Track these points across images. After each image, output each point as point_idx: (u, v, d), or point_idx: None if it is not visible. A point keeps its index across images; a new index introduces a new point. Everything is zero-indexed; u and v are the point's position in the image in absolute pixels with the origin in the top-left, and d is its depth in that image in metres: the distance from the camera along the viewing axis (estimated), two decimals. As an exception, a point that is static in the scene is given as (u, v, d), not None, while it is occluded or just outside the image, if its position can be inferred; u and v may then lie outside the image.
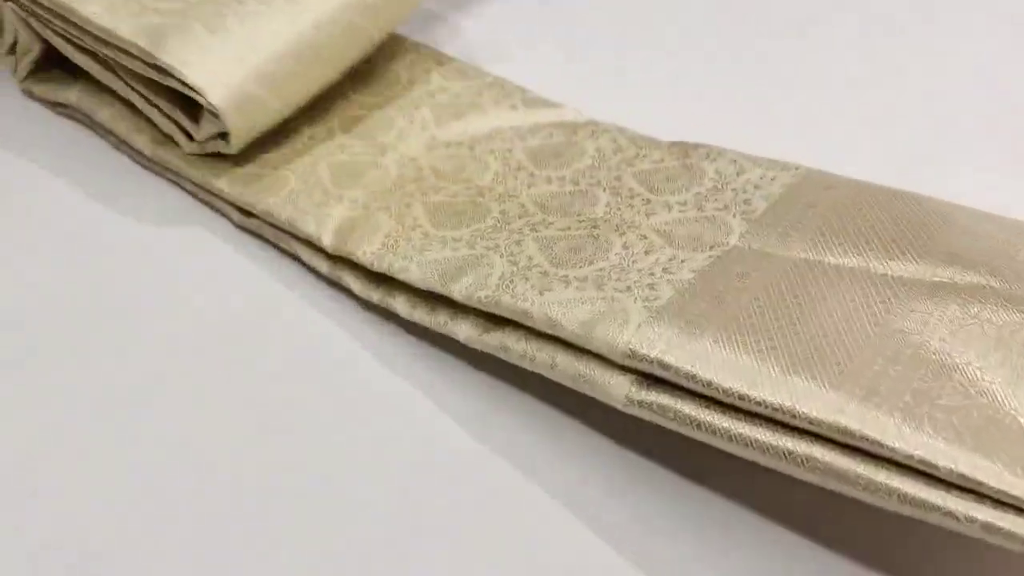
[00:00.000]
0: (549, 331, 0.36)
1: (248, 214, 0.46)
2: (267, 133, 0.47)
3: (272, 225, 0.45)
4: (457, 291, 0.38)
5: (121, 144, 0.50)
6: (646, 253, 0.39)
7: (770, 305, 0.34)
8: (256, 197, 0.45)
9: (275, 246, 0.45)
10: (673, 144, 0.46)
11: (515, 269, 0.39)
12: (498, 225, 0.42)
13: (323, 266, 0.43)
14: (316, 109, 0.50)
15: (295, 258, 0.44)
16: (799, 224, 0.39)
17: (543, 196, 0.44)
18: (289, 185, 0.45)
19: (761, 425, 0.31)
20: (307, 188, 0.45)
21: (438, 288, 0.39)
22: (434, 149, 0.48)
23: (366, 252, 0.41)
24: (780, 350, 0.32)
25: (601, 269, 0.38)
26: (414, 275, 0.40)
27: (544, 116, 0.50)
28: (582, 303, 0.36)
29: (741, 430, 0.31)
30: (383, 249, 0.41)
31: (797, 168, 0.42)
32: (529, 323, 0.36)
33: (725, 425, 0.32)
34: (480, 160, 0.47)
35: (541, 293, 0.37)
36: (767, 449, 0.31)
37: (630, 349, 0.33)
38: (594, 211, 0.42)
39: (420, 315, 0.40)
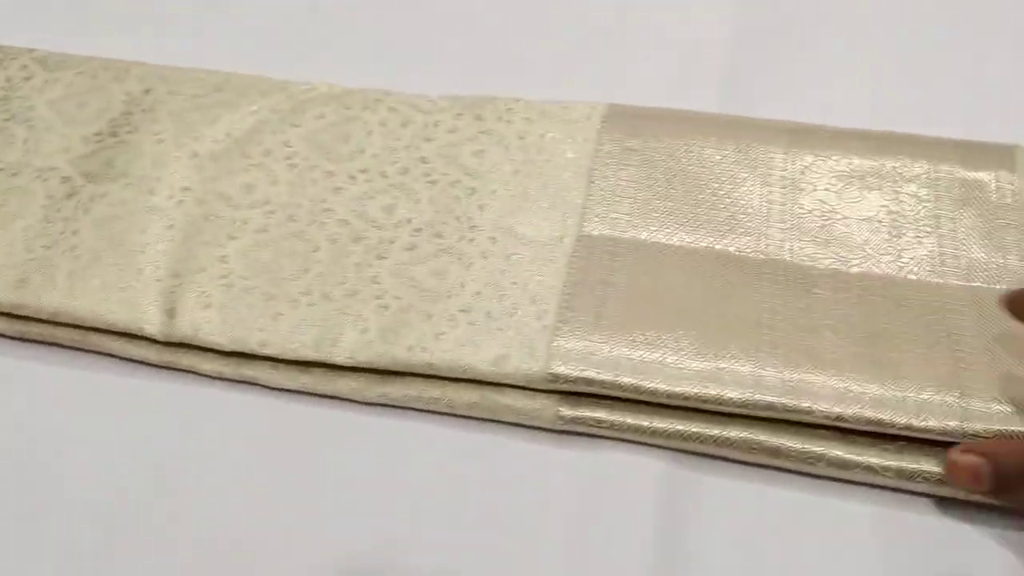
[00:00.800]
0: (460, 376, 0.36)
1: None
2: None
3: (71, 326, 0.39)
4: (339, 355, 0.36)
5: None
6: (507, 259, 0.39)
7: (651, 293, 0.37)
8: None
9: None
10: (456, 103, 0.44)
11: (390, 315, 0.37)
12: (337, 257, 0.39)
13: (150, 354, 0.38)
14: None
15: (103, 354, 0.39)
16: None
17: (355, 199, 0.41)
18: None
19: (689, 416, 0.34)
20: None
21: (315, 357, 0.37)
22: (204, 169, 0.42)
23: (210, 334, 0.37)
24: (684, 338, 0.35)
25: (478, 293, 0.38)
26: (277, 348, 0.37)
27: (305, 95, 0.45)
28: (483, 339, 0.36)
29: (669, 426, 0.35)
30: (223, 324, 0.37)
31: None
32: (433, 372, 0.36)
33: (660, 425, 0.35)
34: (260, 166, 0.42)
35: (436, 338, 0.36)
36: (701, 439, 0.34)
37: (550, 374, 0.35)
38: (419, 210, 0.41)
39: (285, 379, 0.37)
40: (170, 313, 0.38)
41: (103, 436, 0.37)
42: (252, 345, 0.37)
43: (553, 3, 0.52)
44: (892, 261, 0.38)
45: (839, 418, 0.33)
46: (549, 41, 0.50)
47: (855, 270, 0.37)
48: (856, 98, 0.46)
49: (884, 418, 0.33)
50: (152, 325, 0.37)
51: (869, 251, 0.38)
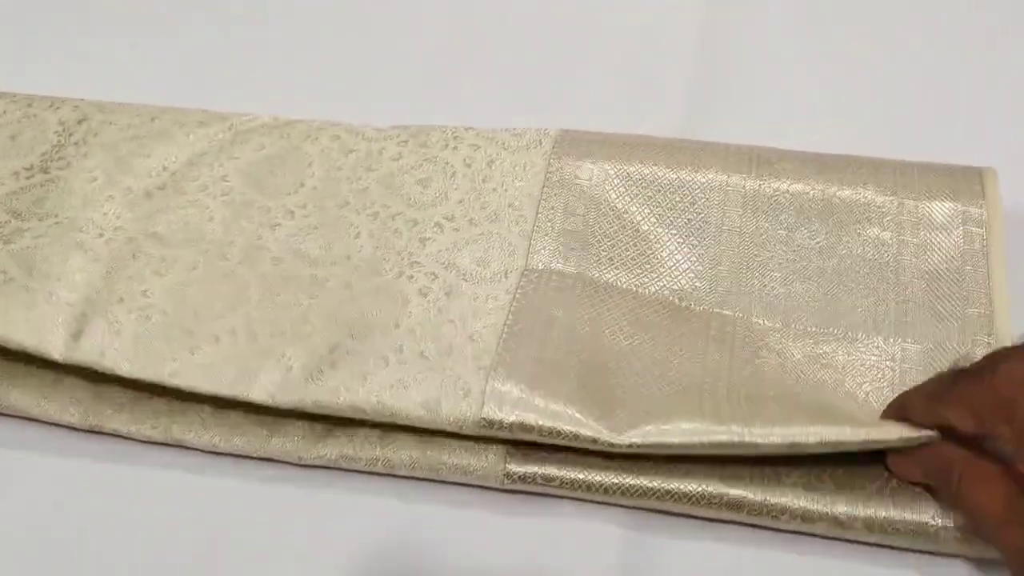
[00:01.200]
0: (387, 420, 0.33)
1: None
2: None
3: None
4: (257, 393, 0.33)
5: None
6: (447, 295, 0.36)
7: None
8: None
9: None
10: (402, 131, 0.42)
11: (317, 355, 0.34)
12: (266, 296, 0.36)
13: (74, 418, 0.35)
14: None
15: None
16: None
17: (291, 236, 0.38)
18: None
19: (645, 470, 0.32)
20: None
21: (229, 393, 0.33)
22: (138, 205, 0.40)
23: (116, 359, 0.34)
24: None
25: (412, 332, 0.35)
26: (188, 379, 0.34)
27: (246, 125, 0.43)
28: (414, 381, 0.33)
29: (624, 480, 0.32)
30: (133, 351, 0.34)
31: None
32: (358, 415, 0.33)
33: (614, 480, 0.32)
34: (196, 202, 0.40)
35: (364, 379, 0.33)
36: (658, 494, 0.31)
37: (484, 419, 0.32)
38: (359, 246, 0.38)
39: (217, 439, 0.34)
40: (75, 336, 0.35)
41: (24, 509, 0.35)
42: (162, 375, 0.34)
43: (508, 24, 0.50)
44: (847, 317, 0.34)
45: (794, 445, 0.30)
46: (505, 61, 0.48)
47: (812, 329, 0.34)
48: (818, 114, 0.44)
49: (843, 439, 0.30)
50: (54, 347, 0.34)
51: (824, 305, 0.35)
